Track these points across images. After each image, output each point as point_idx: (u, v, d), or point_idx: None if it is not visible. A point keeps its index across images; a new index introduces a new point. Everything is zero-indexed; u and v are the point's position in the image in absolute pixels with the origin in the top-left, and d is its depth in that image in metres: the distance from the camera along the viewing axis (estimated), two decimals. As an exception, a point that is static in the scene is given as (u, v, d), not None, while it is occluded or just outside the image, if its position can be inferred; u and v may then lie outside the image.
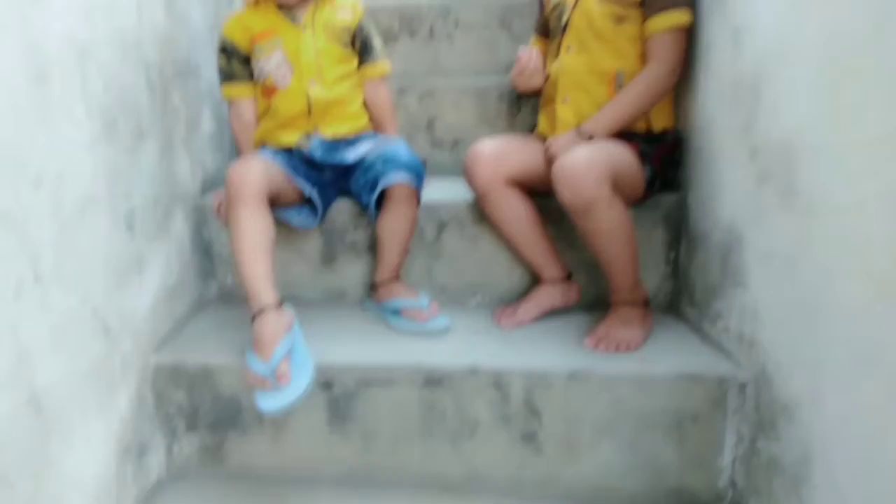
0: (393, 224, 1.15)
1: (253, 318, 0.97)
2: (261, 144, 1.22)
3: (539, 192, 1.14)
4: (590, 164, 0.96)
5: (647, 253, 1.17)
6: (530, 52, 1.17)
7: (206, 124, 1.33)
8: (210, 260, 1.28)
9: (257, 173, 1.03)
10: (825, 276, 0.73)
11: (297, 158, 1.17)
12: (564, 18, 1.14)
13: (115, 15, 0.96)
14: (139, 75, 1.04)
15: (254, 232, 1.00)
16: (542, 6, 1.26)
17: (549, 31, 1.23)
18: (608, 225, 1.00)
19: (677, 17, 1.05)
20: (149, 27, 1.08)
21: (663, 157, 1.10)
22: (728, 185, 0.97)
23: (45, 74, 0.79)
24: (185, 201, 1.21)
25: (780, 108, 0.82)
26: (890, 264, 0.62)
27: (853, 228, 0.68)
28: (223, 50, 1.20)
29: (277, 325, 0.96)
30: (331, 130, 1.19)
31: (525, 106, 1.45)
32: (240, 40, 1.18)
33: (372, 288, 1.21)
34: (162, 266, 1.10)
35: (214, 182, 1.35)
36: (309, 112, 1.18)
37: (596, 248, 1.03)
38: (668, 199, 1.16)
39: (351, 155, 1.19)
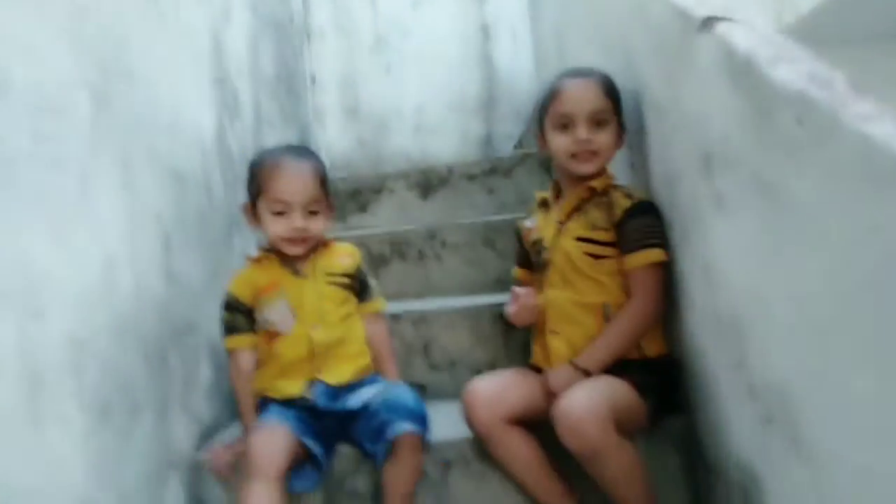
0: (398, 474, 1.11)
1: None
2: (260, 394, 1.21)
3: (539, 423, 1.12)
4: (589, 408, 0.96)
5: (665, 482, 1.12)
6: (528, 291, 1.21)
7: (204, 376, 1.34)
8: (205, 521, 1.21)
9: (283, 449, 1.04)
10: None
11: (300, 410, 1.16)
12: (544, 255, 1.21)
13: (114, 300, 1.01)
14: (136, 351, 1.06)
15: None
16: (520, 239, 1.34)
17: (530, 263, 1.29)
18: (618, 469, 0.97)
19: (652, 255, 1.11)
20: (147, 299, 1.13)
21: (662, 385, 1.10)
22: (732, 420, 0.96)
23: (40, 382, 0.81)
24: (179, 464, 1.18)
25: (767, 353, 0.83)
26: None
27: (867, 498, 0.65)
28: (227, 306, 1.24)
29: None
30: (334, 375, 1.20)
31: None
32: (244, 296, 1.23)
33: (376, 541, 1.14)
34: (153, 547, 1.04)
35: (211, 432, 1.33)
36: (312, 356, 1.19)
37: (609, 491, 1.00)
38: (675, 424, 1.14)
39: (354, 401, 1.19)
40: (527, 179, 1.97)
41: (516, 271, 1.36)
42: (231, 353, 1.24)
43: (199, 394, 1.31)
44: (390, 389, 1.19)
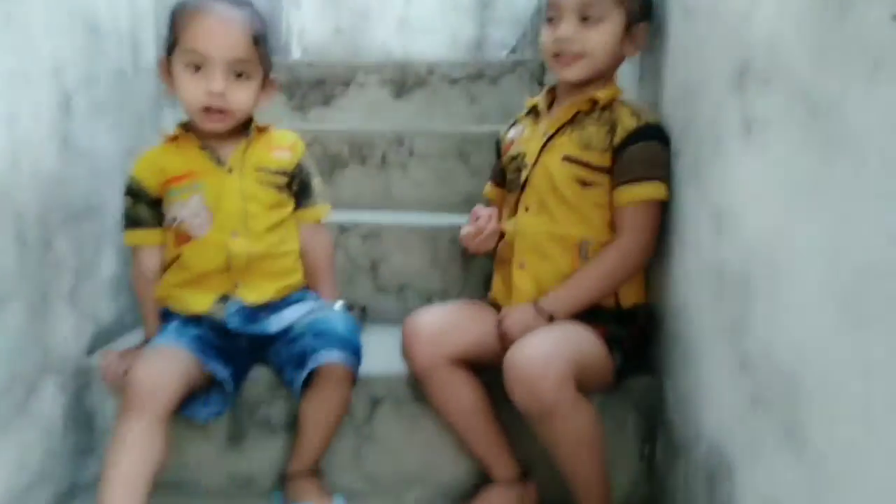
0: (319, 409, 0.95)
1: None
2: (163, 303, 1.02)
3: (491, 367, 0.96)
4: (547, 360, 0.79)
5: (617, 445, 0.98)
6: (489, 213, 1.02)
7: (107, 268, 1.14)
8: (90, 434, 1.05)
9: (173, 379, 0.86)
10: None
11: (206, 328, 0.98)
12: (524, 174, 1.00)
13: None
14: (4, 230, 0.85)
15: (138, 461, 0.81)
16: (499, 152, 1.13)
17: (506, 181, 1.09)
18: (572, 434, 0.82)
19: (651, 191, 0.92)
20: (29, 170, 0.91)
21: (634, 340, 0.94)
22: (711, 394, 0.80)
23: None
24: (60, 368, 0.99)
25: (777, 318, 0.66)
26: None
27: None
28: (129, 192, 1.01)
29: None
30: (253, 293, 1.00)
31: (480, 252, 1.30)
32: (150, 183, 1.00)
33: (284, 478, 0.99)
34: (11, 462, 0.87)
35: (112, 332, 1.15)
36: (227, 268, 0.99)
37: (557, 457, 0.85)
38: (640, 383, 0.99)
39: (274, 324, 1.00)
40: (515, 89, 1.74)
41: (488, 189, 1.16)
42: (133, 249, 1.04)
43: (97, 289, 1.11)
44: (319, 311, 1.01)
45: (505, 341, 0.90)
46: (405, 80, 1.83)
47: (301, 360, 0.94)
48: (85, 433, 1.04)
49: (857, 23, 0.55)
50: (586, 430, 0.83)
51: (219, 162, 1.00)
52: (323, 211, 1.11)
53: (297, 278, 1.06)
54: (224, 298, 0.99)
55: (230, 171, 1.00)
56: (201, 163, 1.00)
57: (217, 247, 0.98)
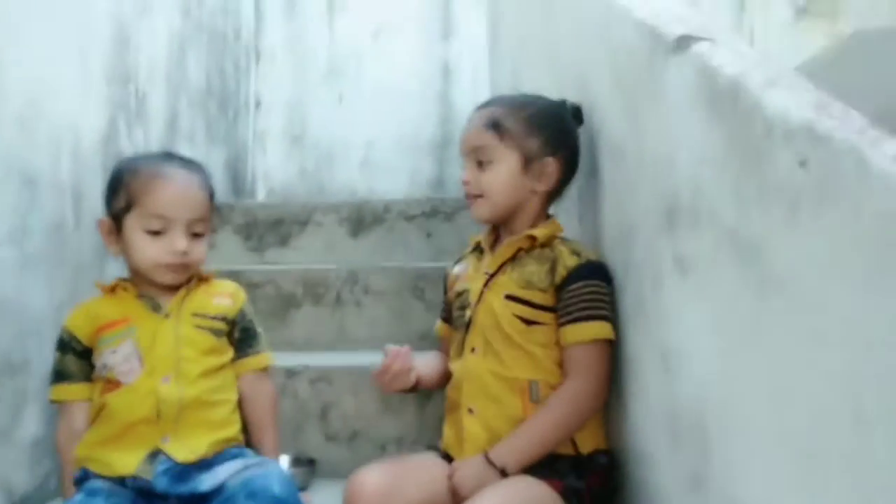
0: None
1: None
2: (82, 465, 0.92)
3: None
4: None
5: None
6: (396, 351, 0.99)
7: (28, 429, 1.05)
8: None
9: None
10: None
11: (126, 496, 0.88)
12: (468, 313, 0.98)
13: None
14: None
15: None
16: (446, 288, 1.11)
17: (452, 318, 1.06)
18: None
19: (597, 330, 0.89)
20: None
21: (594, 491, 0.87)
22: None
23: None
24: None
25: (739, 473, 0.61)
26: None
27: None
28: (59, 345, 0.97)
29: None
30: (184, 449, 0.91)
31: (436, 393, 1.24)
32: (82, 332, 0.96)
33: None
34: None
35: (31, 502, 1.04)
36: (157, 417, 0.92)
37: None
38: (607, 541, 0.91)
39: (207, 482, 0.90)
40: (470, 225, 1.76)
41: (439, 326, 1.13)
42: (59, 407, 0.97)
43: (17, 453, 1.02)
44: (255, 467, 0.92)
45: (456, 498, 0.83)
46: (362, 219, 1.85)
47: (231, 526, 0.84)
48: None
49: (769, 167, 0.56)
50: None
51: (156, 308, 0.98)
52: (266, 358, 1.06)
53: (233, 431, 0.98)
54: (153, 456, 0.90)
55: (167, 316, 0.97)
56: (137, 310, 0.97)
57: (146, 393, 0.92)
